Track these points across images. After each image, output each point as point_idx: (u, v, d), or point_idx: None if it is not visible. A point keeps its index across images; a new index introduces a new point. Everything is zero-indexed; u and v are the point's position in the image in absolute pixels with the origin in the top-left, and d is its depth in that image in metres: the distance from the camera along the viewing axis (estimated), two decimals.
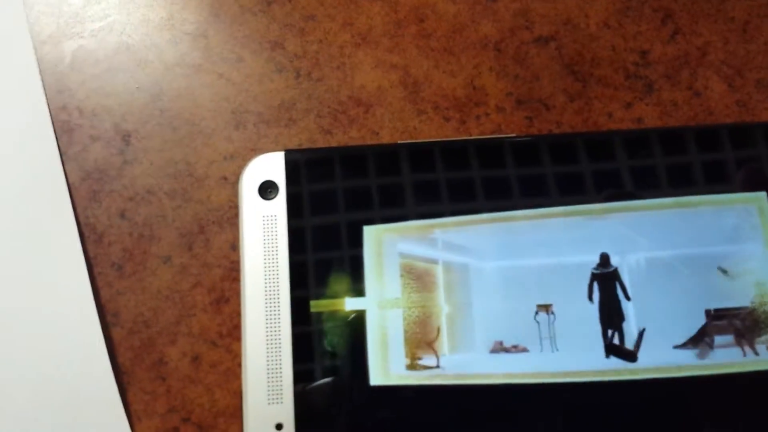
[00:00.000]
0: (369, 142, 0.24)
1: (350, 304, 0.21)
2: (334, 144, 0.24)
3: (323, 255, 0.22)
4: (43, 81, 0.25)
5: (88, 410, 0.21)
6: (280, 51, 0.25)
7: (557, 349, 0.21)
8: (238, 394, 0.22)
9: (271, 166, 0.22)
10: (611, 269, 0.21)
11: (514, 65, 0.25)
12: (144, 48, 0.26)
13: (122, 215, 0.24)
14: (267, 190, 0.22)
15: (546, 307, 0.21)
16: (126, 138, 0.25)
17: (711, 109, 0.24)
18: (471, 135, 0.24)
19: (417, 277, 0.21)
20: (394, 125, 0.24)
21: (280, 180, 0.22)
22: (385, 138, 0.24)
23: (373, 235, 0.22)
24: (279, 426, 0.20)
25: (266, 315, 0.21)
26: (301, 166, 0.22)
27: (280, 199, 0.22)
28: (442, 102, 0.25)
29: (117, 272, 0.23)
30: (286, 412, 0.20)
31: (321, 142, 0.24)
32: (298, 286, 0.21)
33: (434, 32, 0.25)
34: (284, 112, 0.25)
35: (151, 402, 0.22)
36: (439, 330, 0.21)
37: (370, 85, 0.25)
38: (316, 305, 0.21)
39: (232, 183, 0.24)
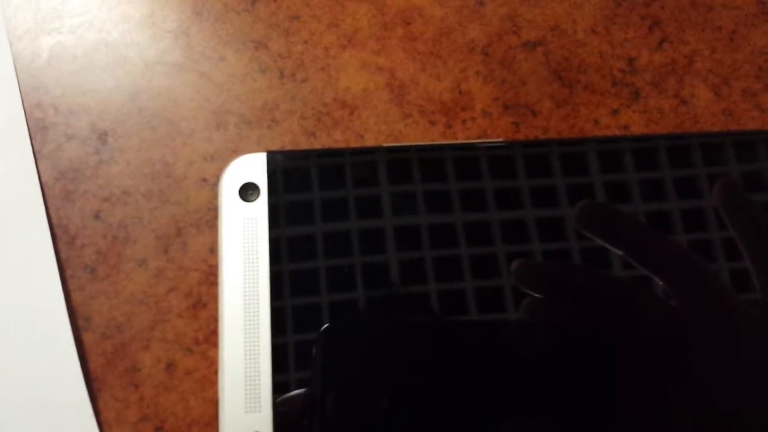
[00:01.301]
0: (353, 145, 0.24)
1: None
2: (317, 146, 0.24)
3: (305, 259, 0.21)
4: (18, 77, 0.24)
5: (57, 417, 0.21)
6: (264, 51, 0.25)
7: None
8: (213, 403, 0.21)
9: (253, 167, 0.22)
10: None
11: (501, 70, 0.25)
12: (124, 45, 0.25)
13: (96, 216, 0.23)
14: (248, 191, 0.22)
15: None
16: (102, 137, 0.24)
17: (697, 117, 0.24)
18: (457, 139, 0.24)
19: None
20: (379, 128, 0.24)
21: (262, 182, 0.22)
22: (370, 141, 0.24)
23: None
24: None
25: (245, 320, 0.20)
26: (284, 168, 0.22)
27: (262, 202, 0.21)
28: (428, 106, 0.24)
29: (90, 275, 0.22)
30: (264, 420, 0.20)
31: (304, 144, 0.24)
32: (279, 291, 0.21)
33: (421, 35, 0.25)
34: (267, 113, 0.24)
35: (123, 410, 0.21)
36: None
37: (355, 88, 0.24)
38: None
39: (212, 185, 0.23)
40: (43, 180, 0.23)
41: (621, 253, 0.20)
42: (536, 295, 0.20)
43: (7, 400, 0.21)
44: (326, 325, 0.20)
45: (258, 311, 0.20)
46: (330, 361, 0.20)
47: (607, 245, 0.20)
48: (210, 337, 0.22)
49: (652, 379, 0.20)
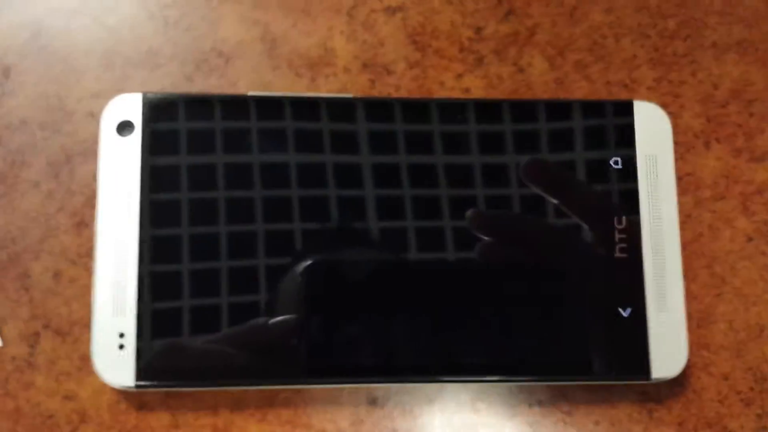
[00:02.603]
0: (227, 91, 0.27)
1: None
2: (195, 90, 0.27)
3: (173, 192, 0.25)
4: None
5: None
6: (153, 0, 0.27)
7: None
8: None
9: (130, 105, 0.25)
10: None
11: (363, 31, 0.27)
12: None
13: None
14: (124, 127, 0.25)
15: None
16: (6, 71, 0.27)
17: (531, 84, 0.27)
18: (320, 92, 0.27)
19: None
20: (250, 78, 0.27)
21: (137, 119, 0.25)
22: (242, 89, 0.27)
23: None
24: (122, 334, 0.24)
25: (117, 237, 0.24)
26: (158, 108, 0.25)
27: (136, 137, 0.25)
28: (296, 60, 0.27)
29: None
30: (128, 323, 0.24)
31: (183, 88, 0.27)
32: (147, 217, 0.24)
33: None
34: (151, 57, 0.27)
35: (16, 308, 0.25)
36: None
37: (232, 39, 0.27)
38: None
39: (98, 119, 0.26)
40: None
41: (557, 202, 0.24)
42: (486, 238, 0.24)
43: None
44: (309, 262, 0.24)
45: (128, 231, 0.24)
46: (312, 291, 0.24)
47: (547, 196, 0.25)
48: (91, 251, 0.25)
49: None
